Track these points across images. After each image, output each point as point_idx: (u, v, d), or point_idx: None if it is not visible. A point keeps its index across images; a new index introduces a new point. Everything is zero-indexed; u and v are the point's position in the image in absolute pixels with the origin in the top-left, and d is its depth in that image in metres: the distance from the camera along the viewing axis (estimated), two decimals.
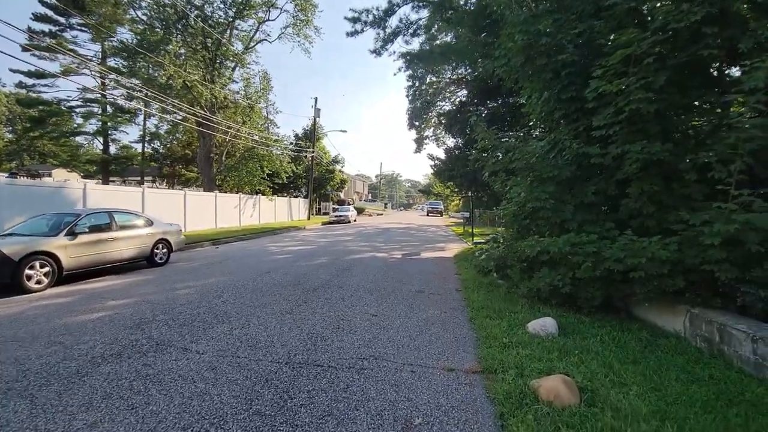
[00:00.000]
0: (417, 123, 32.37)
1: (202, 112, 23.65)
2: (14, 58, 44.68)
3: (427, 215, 50.43)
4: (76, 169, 36.98)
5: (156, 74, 20.44)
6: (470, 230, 22.07)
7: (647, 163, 4.82)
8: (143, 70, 20.31)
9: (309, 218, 33.63)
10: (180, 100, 22.96)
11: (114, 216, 8.49)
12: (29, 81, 32.04)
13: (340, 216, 31.24)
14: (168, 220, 16.59)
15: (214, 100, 24.28)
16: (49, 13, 32.09)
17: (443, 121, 15.44)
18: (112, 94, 32.22)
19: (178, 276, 8.02)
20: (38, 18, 32.03)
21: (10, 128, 49.47)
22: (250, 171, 26.66)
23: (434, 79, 31.41)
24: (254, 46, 28.53)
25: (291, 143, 38.75)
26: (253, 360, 3.66)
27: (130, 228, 8.80)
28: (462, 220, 28.69)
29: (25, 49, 27.84)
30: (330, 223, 30.74)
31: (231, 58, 25.67)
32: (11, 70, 42.76)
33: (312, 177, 33.97)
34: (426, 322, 5.05)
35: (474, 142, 12.86)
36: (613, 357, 3.78)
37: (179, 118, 26.05)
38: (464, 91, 17.21)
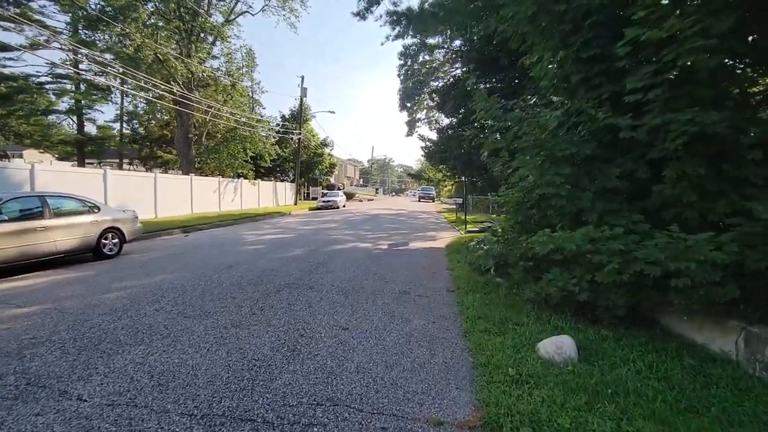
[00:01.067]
0: (409, 104, 30.90)
1: (179, 89, 21.98)
2: None
3: (419, 201, 49.37)
4: (49, 150, 34.90)
5: (123, 46, 18.68)
6: (463, 217, 21.12)
7: (695, 137, 3.72)
8: (110, 40, 18.51)
9: (296, 203, 32.33)
10: (153, 75, 21.24)
11: (47, 201, 7.20)
12: None
13: (328, 201, 29.98)
14: (136, 206, 15.11)
15: (190, 75, 22.57)
16: None
17: (436, 99, 14.17)
18: (84, 71, 30.08)
19: (121, 272, 6.84)
20: None
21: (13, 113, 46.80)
22: (232, 153, 25.14)
23: (427, 57, 29.85)
24: (235, 18, 26.63)
25: (277, 125, 37.08)
26: (155, 412, 2.55)
27: (69, 215, 7.54)
28: (455, 207, 27.73)
29: None
30: (317, 208, 29.50)
31: (209, 31, 23.82)
32: None
33: (299, 160, 32.50)
34: (409, 338, 3.98)
35: (469, 121, 11.58)
36: (661, 401, 2.75)
37: (155, 96, 24.31)
38: (459, 68, 15.72)
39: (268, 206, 28.22)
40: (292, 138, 32.74)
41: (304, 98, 31.47)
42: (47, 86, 32.70)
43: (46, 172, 11.62)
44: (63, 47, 29.39)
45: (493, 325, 4.30)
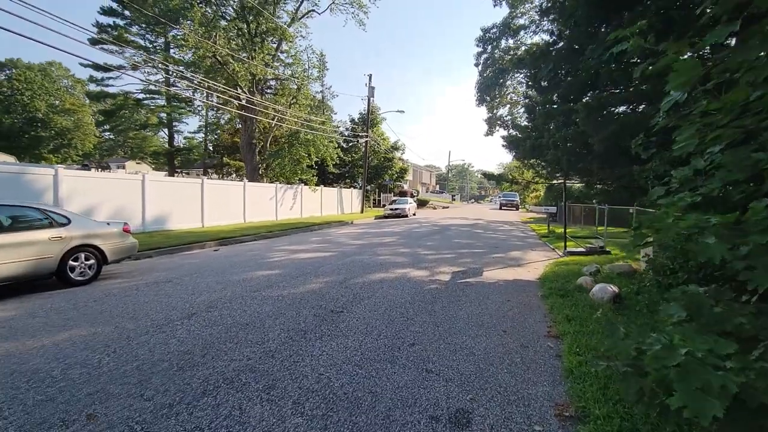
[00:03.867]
0: (488, 98, 26.84)
1: (243, 93, 21.23)
2: (79, 58, 47.73)
3: (500, 209, 44.18)
4: (144, 161, 38.13)
5: (181, 51, 18.23)
6: (557, 230, 16.51)
7: None
8: (171, 43, 18.17)
9: (362, 211, 30.22)
10: (213, 77, 20.75)
11: None
12: (98, 75, 33.17)
13: (396, 209, 27.24)
14: (180, 215, 13.97)
15: (252, 77, 21.70)
16: (114, 6, 32.64)
17: (526, 63, 10.24)
18: (177, 87, 31.82)
19: (33, 319, 4.70)
20: (105, 12, 32.72)
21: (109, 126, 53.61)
22: (295, 158, 23.70)
23: (510, 43, 25.57)
24: (300, 18, 25.55)
25: (346, 129, 35.67)
26: None
27: (17, 230, 5.74)
28: (545, 216, 22.96)
29: (93, 42, 28.25)
30: (384, 217, 26.95)
31: (272, 32, 22.84)
32: (81, 64, 45.15)
33: (366, 165, 30.41)
34: None
35: (579, 91, 7.77)
36: None
37: (220, 102, 24.13)
38: (554, 21, 11.04)
39: (331, 214, 26.46)
40: (359, 142, 30.85)
41: (372, 98, 29.34)
42: (143, 101, 35.68)
43: (71, 179, 10.66)
44: (156, 65, 31.35)
45: None
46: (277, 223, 18.49)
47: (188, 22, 16.59)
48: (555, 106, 8.96)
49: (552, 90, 9.56)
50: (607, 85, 6.94)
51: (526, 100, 10.63)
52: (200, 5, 18.63)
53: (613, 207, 14.93)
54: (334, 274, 7.31)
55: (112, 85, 33.38)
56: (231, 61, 19.61)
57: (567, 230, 12.24)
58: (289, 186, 22.14)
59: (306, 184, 23.66)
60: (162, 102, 35.41)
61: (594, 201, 19.95)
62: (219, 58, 19.18)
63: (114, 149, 57.24)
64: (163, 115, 36.07)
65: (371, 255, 9.67)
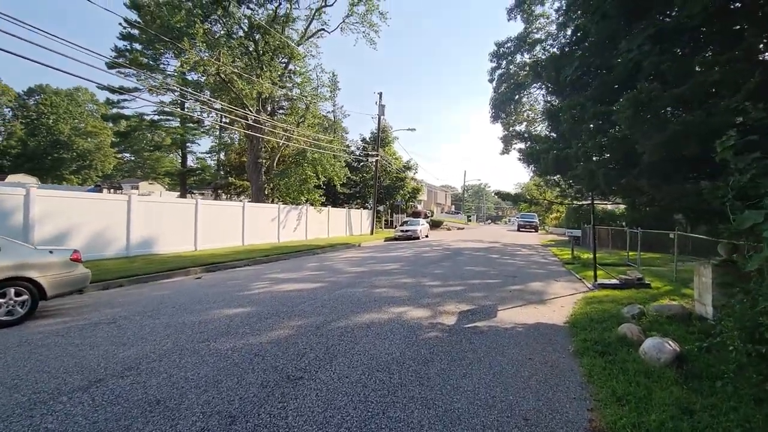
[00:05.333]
0: (503, 114, 25.62)
1: (249, 112, 20.68)
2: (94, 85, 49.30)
3: (518, 230, 42.23)
4: (157, 181, 38.22)
5: (181, 68, 17.85)
6: (582, 255, 14.70)
7: None
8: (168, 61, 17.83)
9: (372, 233, 28.98)
10: (218, 96, 20.29)
11: None
12: (114, 97, 33.63)
13: (407, 231, 25.90)
14: (171, 237, 12.81)
15: (258, 96, 21.18)
16: (134, 32, 33.40)
17: (546, 67, 8.84)
18: (184, 108, 31.95)
19: None
20: (124, 37, 33.49)
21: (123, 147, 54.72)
22: (302, 177, 22.76)
23: (526, 58, 24.47)
24: (310, 37, 25.24)
25: (357, 148, 34.97)
26: None
27: None
28: (567, 239, 21.21)
29: (110, 66, 28.69)
30: (394, 239, 25.64)
31: (279, 51, 22.43)
32: (98, 86, 46.35)
33: (376, 185, 29.37)
34: None
35: (616, 88, 6.32)
36: None
37: (227, 121, 23.71)
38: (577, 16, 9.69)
39: (339, 236, 25.29)
40: (369, 161, 29.97)
41: (383, 116, 28.55)
42: (158, 122, 35.94)
43: (45, 199, 9.82)
44: (164, 85, 31.57)
45: None
46: (277, 246, 17.41)
47: (192, 40, 16.20)
48: (576, 111, 7.46)
49: (579, 92, 8.19)
50: (651, 80, 5.68)
51: (547, 104, 9.26)
52: (208, 24, 18.34)
53: (647, 231, 13.26)
54: (314, 314, 6.02)
55: (127, 107, 33.77)
56: (236, 79, 19.12)
57: (600, 255, 10.57)
58: (293, 207, 21.16)
59: (312, 204, 22.66)
60: (175, 123, 35.60)
61: (623, 223, 18.17)
62: (223, 76, 18.71)
63: (134, 170, 58.36)
64: (177, 135, 36.17)
65: (367, 287, 8.35)
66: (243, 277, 9.90)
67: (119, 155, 53.18)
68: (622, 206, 25.39)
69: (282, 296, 7.28)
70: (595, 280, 9.40)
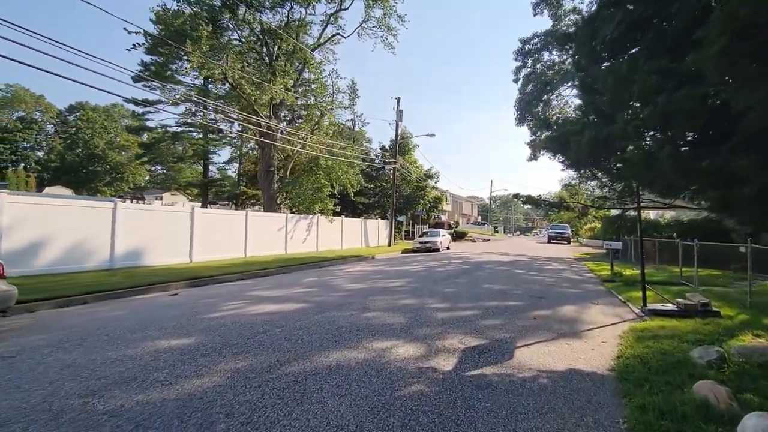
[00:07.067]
0: (530, 117, 23.74)
1: (260, 118, 19.99)
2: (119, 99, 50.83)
3: (549, 242, 39.48)
4: (179, 192, 38.58)
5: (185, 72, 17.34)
6: (624, 271, 12.30)
7: None
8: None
9: (390, 244, 27.50)
10: (228, 103, 19.69)
11: None
12: (139, 110, 34.33)
13: (426, 243, 24.29)
14: (165, 248, 11.54)
15: (270, 102, 20.45)
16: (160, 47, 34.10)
17: (574, 31, 7.17)
18: (211, 120, 32.05)
19: None
20: (149, 51, 34.28)
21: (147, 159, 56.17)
22: (315, 185, 21.67)
23: (555, 56, 22.60)
24: (325, 42, 24.53)
25: (376, 156, 33.85)
26: None
27: None
28: (605, 252, 18.94)
29: (135, 80, 29.22)
30: (413, 251, 24.08)
31: (291, 56, 21.72)
32: (124, 100, 47.67)
33: (394, 194, 28.00)
34: None
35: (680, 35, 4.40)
36: None
37: (240, 128, 23.18)
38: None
39: (353, 247, 24.00)
40: (386, 169, 28.73)
41: (401, 122, 27.31)
42: (180, 134, 36.40)
43: (24, 206, 9.06)
44: (188, 98, 31.83)
45: None
46: (281, 258, 16.29)
47: (196, 43, 15.67)
48: (615, 79, 5.35)
49: (622, 54, 6.31)
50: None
51: (580, 73, 7.36)
52: (219, 29, 17.90)
53: (704, 243, 11.07)
54: (269, 349, 4.64)
55: (151, 119, 34.38)
56: (244, 84, 18.45)
57: (649, 271, 8.41)
58: (302, 216, 20.09)
59: (323, 213, 21.53)
60: (196, 134, 35.89)
61: (674, 234, 15.76)
62: (231, 81, 18.07)
63: (165, 182, 59.97)
64: (199, 147, 36.43)
65: (357, 310, 6.91)
66: (223, 293, 8.70)
67: (151, 168, 54.86)
68: (668, 214, 22.63)
69: (246, 321, 5.95)
70: (644, 305, 7.53)
